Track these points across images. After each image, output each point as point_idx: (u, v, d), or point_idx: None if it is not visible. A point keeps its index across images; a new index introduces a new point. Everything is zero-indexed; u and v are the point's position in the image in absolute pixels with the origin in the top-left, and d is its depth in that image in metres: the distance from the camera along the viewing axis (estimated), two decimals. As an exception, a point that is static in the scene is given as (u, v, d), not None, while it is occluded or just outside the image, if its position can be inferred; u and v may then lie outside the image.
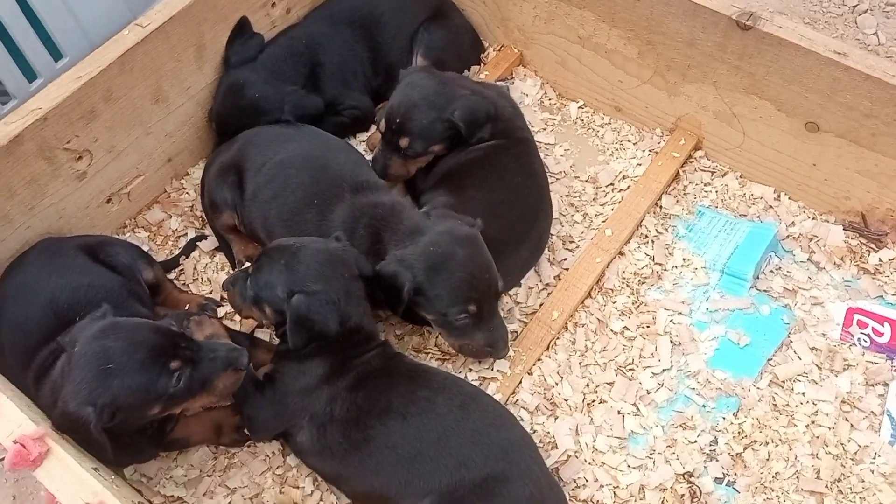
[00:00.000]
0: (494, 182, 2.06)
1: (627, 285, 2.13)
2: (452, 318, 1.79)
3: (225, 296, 2.01)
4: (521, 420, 1.89)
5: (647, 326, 2.05)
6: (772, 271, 2.13)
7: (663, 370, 1.98)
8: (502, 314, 2.04)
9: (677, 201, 2.29)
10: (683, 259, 2.17)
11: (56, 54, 2.24)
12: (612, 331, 2.04)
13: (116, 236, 2.23)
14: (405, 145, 2.08)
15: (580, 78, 2.46)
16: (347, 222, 1.92)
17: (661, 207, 2.28)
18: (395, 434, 1.65)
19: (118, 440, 1.61)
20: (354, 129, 2.44)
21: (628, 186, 2.30)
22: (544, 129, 2.48)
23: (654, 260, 2.17)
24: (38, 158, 1.92)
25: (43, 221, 2.02)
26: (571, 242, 2.21)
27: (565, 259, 2.17)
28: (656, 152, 2.36)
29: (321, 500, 1.81)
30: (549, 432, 1.88)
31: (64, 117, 1.93)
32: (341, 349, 1.75)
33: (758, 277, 2.11)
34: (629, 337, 2.04)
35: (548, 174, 2.29)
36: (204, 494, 1.81)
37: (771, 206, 2.25)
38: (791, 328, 2.01)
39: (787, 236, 2.19)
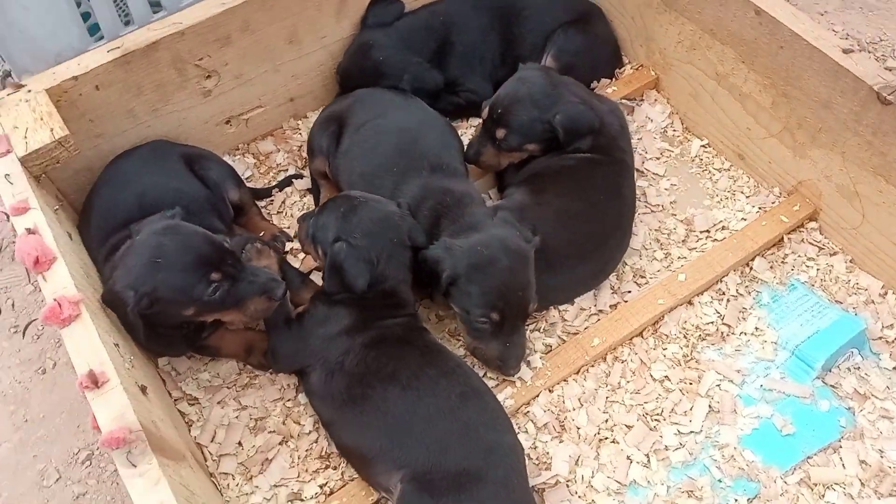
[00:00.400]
0: (575, 194, 2.02)
1: (685, 336, 2.01)
2: (474, 318, 1.80)
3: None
4: (525, 432, 1.86)
5: (690, 383, 1.93)
6: (848, 369, 1.93)
7: (690, 432, 1.86)
8: (545, 326, 2.02)
9: (771, 267, 2.13)
10: (756, 328, 2.02)
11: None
12: (651, 376, 1.95)
13: (226, 155, 2.41)
14: (501, 136, 2.08)
15: (710, 116, 2.34)
16: (416, 198, 1.96)
17: (750, 268, 2.13)
18: (390, 401, 1.69)
19: (154, 329, 1.77)
20: (468, 113, 2.47)
21: (724, 238, 2.17)
22: (658, 159, 2.39)
23: (723, 319, 2.03)
24: (170, 67, 2.11)
25: (163, 125, 2.23)
26: (642, 277, 2.12)
27: (629, 292, 2.09)
28: (766, 210, 2.20)
29: (315, 441, 1.88)
30: (548, 452, 1.83)
31: (200, 37, 2.10)
32: (370, 307, 1.81)
33: (829, 370, 1.92)
34: (667, 388, 1.93)
35: (642, 204, 2.22)
36: (218, 403, 1.94)
37: (873, 302, 2.03)
38: (845, 433, 1.82)
39: (880, 338, 1.98)
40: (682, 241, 2.19)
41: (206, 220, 2.00)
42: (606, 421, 1.89)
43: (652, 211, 2.26)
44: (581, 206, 2.01)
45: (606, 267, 2.07)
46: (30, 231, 1.67)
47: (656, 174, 2.35)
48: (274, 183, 2.39)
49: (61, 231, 1.81)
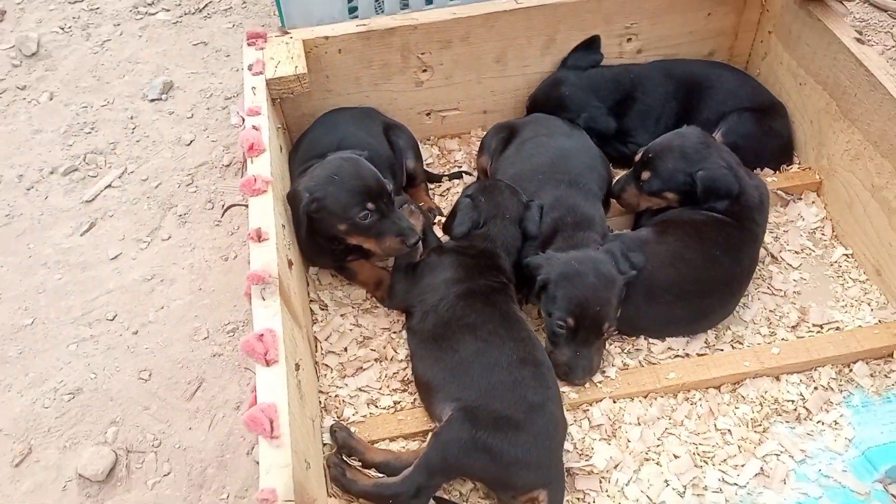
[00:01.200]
0: (694, 242, 2.19)
1: (761, 404, 2.08)
2: (554, 320, 2.04)
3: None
4: (578, 425, 2.03)
5: (751, 443, 2.00)
6: (915, 484, 1.90)
7: (735, 483, 1.93)
8: (629, 349, 2.19)
9: (872, 375, 2.14)
10: (835, 421, 2.05)
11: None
12: (715, 425, 2.04)
13: (419, 141, 2.83)
14: (645, 178, 2.32)
15: (858, 226, 2.41)
16: (546, 206, 2.26)
17: (850, 369, 2.15)
18: (462, 345, 1.96)
19: (314, 237, 2.19)
20: (629, 162, 2.71)
21: (831, 332, 2.22)
22: (797, 253, 2.48)
23: (804, 402, 2.08)
24: (397, 52, 2.60)
25: (379, 99, 2.71)
26: (739, 343, 2.22)
27: (721, 350, 2.20)
28: (885, 323, 2.22)
29: (403, 369, 2.17)
30: (592, 447, 1.98)
31: (428, 35, 2.57)
32: (470, 264, 2.12)
33: (893, 482, 1.91)
34: (727, 440, 2.01)
35: (765, 286, 2.34)
36: (341, 314, 2.30)
37: (969, 437, 1.98)
38: (889, 536, 1.80)
39: (963, 469, 1.92)
40: (792, 327, 2.27)
41: (383, 174, 2.42)
42: (658, 445, 2.01)
43: (772, 293, 2.36)
44: (695, 255, 2.17)
45: (704, 319, 2.20)
46: (255, 127, 2.17)
47: (790, 265, 2.44)
48: (448, 173, 2.78)
49: (276, 142, 2.29)
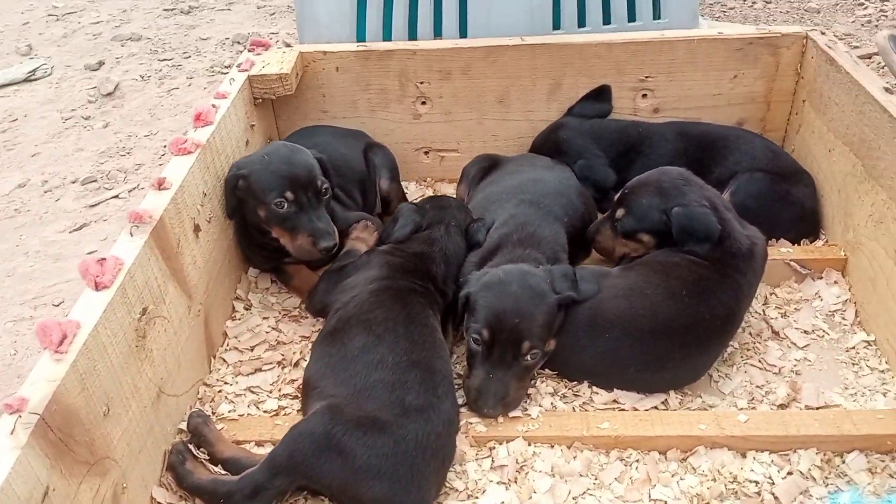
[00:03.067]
0: (658, 279, 1.87)
1: (714, 480, 1.65)
2: (469, 334, 1.77)
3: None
4: (477, 461, 1.69)
5: (687, 521, 1.57)
6: None
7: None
8: (566, 391, 1.85)
9: (871, 472, 1.66)
10: (810, 519, 1.58)
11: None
12: (650, 494, 1.62)
13: (413, 181, 2.71)
14: (618, 216, 2.05)
15: (881, 306, 1.99)
16: (498, 221, 2.06)
17: (843, 460, 1.69)
18: (352, 339, 1.72)
19: (249, 233, 2.08)
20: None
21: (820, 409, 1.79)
22: (806, 333, 2.07)
23: (772, 488, 1.63)
24: (395, 78, 2.54)
25: (375, 128, 2.63)
26: (710, 408, 1.82)
27: (677, 407, 1.81)
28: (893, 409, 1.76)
29: (301, 359, 1.97)
30: (484, 490, 1.62)
31: (427, 63, 2.51)
32: (401, 264, 1.92)
33: None
34: (654, 513, 1.59)
35: (756, 361, 1.97)
36: (263, 317, 2.12)
37: None
38: None
39: None
40: (778, 406, 1.84)
41: (349, 187, 2.30)
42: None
43: (763, 369, 1.95)
44: (656, 292, 1.84)
45: (661, 369, 1.82)
46: (214, 106, 2.13)
47: (794, 343, 2.03)
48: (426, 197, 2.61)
49: (235, 131, 2.21)
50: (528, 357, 1.74)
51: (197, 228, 1.88)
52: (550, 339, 1.78)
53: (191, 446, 1.68)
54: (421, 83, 2.56)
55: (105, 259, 1.50)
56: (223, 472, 1.64)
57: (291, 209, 1.95)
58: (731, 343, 2.00)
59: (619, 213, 2.04)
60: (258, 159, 2.01)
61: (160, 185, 1.77)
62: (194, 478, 1.58)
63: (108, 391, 1.42)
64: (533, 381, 1.86)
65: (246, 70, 2.37)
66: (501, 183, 2.24)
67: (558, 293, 1.78)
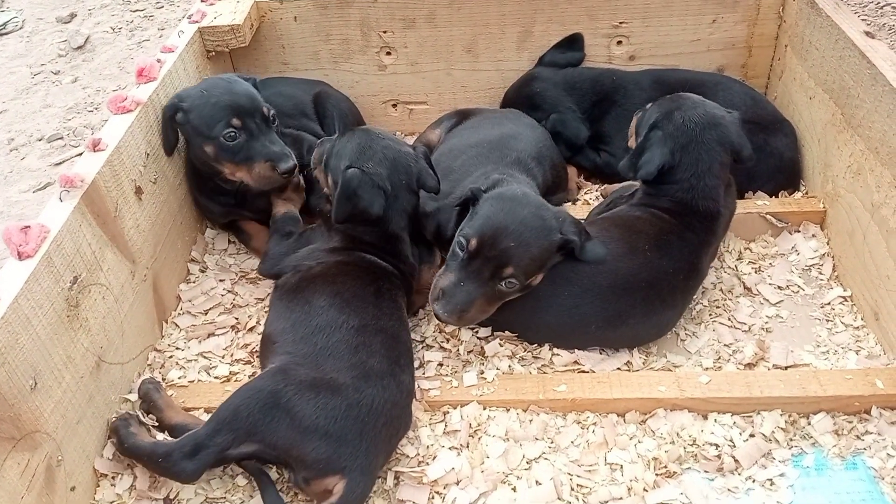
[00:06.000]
0: (620, 233, 1.79)
1: (673, 443, 1.60)
2: (460, 236, 1.68)
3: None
4: (430, 426, 1.64)
5: (645, 489, 1.52)
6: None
7: (604, 530, 1.45)
8: (524, 353, 1.79)
9: (837, 434, 1.61)
10: (770, 481, 1.53)
11: None
12: (606, 457, 1.58)
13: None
14: None
15: (857, 260, 1.92)
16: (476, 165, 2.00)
17: (808, 422, 1.63)
18: (317, 297, 1.66)
19: (201, 181, 1.99)
20: (599, 175, 2.37)
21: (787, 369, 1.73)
22: (780, 289, 2.00)
23: (733, 451, 1.58)
24: (357, 27, 2.43)
25: (339, 80, 2.53)
26: (674, 369, 1.76)
27: (640, 367, 1.76)
28: (865, 370, 1.69)
29: (256, 324, 1.91)
30: (436, 455, 1.57)
31: (389, 11, 2.39)
32: (362, 240, 1.80)
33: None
34: (614, 478, 1.54)
35: (726, 320, 1.91)
36: (219, 279, 2.06)
37: (955, 527, 1.41)
38: None
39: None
40: (745, 364, 1.78)
41: (295, 123, 2.21)
42: (526, 469, 1.56)
43: (733, 326, 1.89)
44: (617, 245, 1.76)
45: (622, 325, 1.74)
46: (159, 60, 2.03)
47: (766, 300, 1.96)
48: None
49: (188, 81, 2.12)
50: (505, 283, 1.65)
51: (139, 191, 1.81)
52: (537, 275, 1.70)
53: (140, 413, 1.64)
54: (384, 32, 2.45)
55: (29, 227, 1.42)
56: (171, 438, 1.60)
57: (242, 138, 1.86)
58: (700, 300, 1.95)
59: None
60: (197, 94, 1.90)
61: (94, 146, 1.69)
62: (136, 441, 1.53)
63: (34, 364, 1.36)
64: (489, 340, 1.81)
65: (197, 21, 2.25)
66: (468, 136, 2.14)
67: (563, 235, 1.70)
